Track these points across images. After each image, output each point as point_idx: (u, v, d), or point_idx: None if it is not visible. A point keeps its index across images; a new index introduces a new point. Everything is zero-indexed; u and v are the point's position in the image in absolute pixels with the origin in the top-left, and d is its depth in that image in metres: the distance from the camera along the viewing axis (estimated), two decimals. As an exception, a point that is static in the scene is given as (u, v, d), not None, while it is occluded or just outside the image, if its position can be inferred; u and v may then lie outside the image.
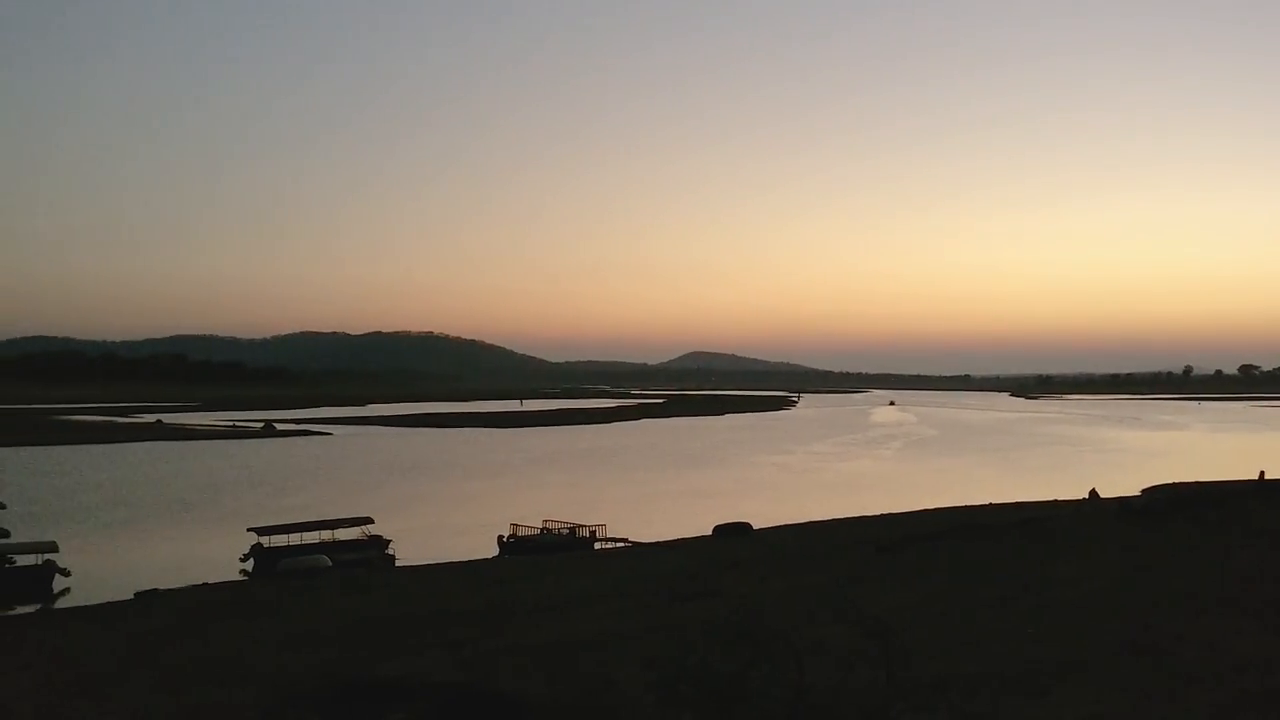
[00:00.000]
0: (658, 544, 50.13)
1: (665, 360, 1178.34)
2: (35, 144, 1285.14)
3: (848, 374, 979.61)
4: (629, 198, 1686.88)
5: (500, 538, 55.00)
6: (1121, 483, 67.61)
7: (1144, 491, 57.19)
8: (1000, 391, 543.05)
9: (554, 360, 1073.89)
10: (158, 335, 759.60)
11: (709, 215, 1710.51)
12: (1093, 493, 56.74)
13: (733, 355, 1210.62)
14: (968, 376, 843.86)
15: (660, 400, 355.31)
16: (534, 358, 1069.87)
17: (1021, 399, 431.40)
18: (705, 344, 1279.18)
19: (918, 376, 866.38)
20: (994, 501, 59.89)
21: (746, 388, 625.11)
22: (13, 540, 47.63)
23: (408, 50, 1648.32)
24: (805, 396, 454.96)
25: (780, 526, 52.84)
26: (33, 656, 24.24)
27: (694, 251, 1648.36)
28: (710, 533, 52.22)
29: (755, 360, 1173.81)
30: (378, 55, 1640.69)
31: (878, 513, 56.63)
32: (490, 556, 51.48)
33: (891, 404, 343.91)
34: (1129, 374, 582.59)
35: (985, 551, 28.17)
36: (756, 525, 53.15)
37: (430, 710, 6.64)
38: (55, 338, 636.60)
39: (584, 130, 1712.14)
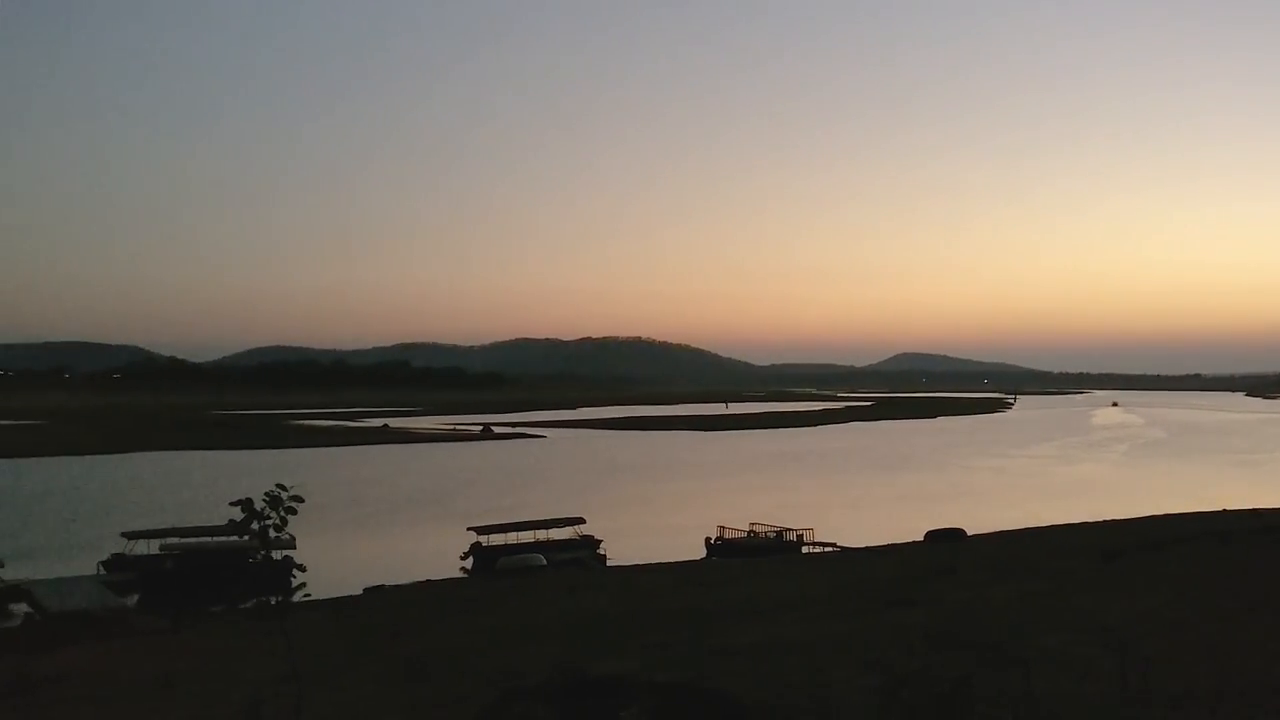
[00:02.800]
0: (867, 549, 49.27)
1: (874, 362, 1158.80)
2: (272, 170, 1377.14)
3: (1067, 374, 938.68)
4: (838, 201, 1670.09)
5: (708, 540, 55.29)
6: (1380, 490, 62.18)
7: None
8: (1234, 391, 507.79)
9: (760, 364, 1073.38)
10: (384, 344, 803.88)
11: (919, 215, 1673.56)
12: (1346, 500, 52.43)
13: (944, 356, 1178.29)
14: (1198, 376, 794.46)
15: (869, 403, 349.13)
16: (740, 361, 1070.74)
17: (1259, 399, 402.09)
18: (916, 345, 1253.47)
19: (1143, 376, 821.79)
20: (1229, 508, 56.06)
21: (959, 389, 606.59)
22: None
23: (621, 60, 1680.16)
24: (1022, 398, 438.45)
25: (996, 533, 51.02)
26: (273, 646, 25.89)
27: (904, 252, 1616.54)
28: (922, 538, 50.98)
29: (968, 361, 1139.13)
30: (592, 63, 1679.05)
31: (1101, 519, 53.96)
32: (698, 558, 51.82)
33: (1114, 405, 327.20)
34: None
35: (1220, 561, 26.41)
36: (970, 531, 51.58)
37: (658, 707, 6.77)
38: (292, 347, 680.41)
39: (793, 138, 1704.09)
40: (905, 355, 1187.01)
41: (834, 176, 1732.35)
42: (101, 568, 48.76)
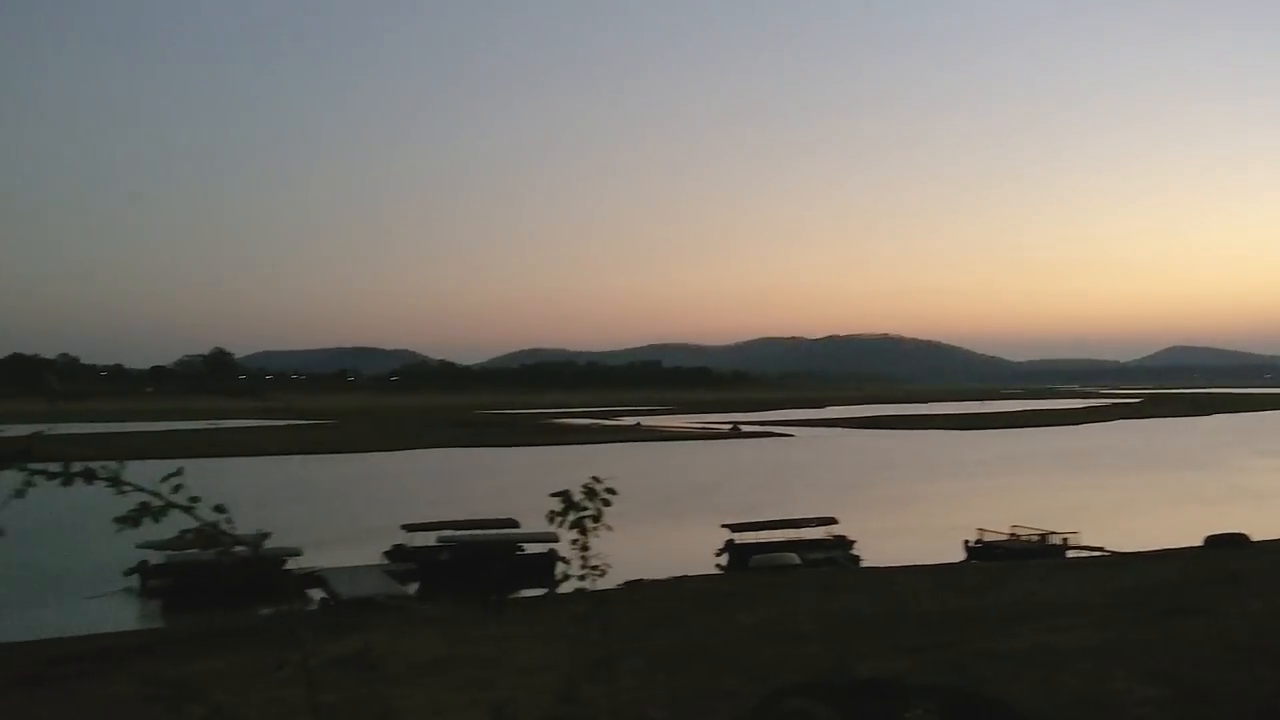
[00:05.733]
0: (1139, 554, 46.68)
1: (1141, 357, 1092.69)
2: (528, 181, 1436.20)
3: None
4: (1099, 192, 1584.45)
5: (966, 542, 53.91)
6: None
7: None
8: None
9: (1016, 360, 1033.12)
10: (635, 345, 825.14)
11: (1189, 203, 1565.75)
12: None
13: (1221, 349, 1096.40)
14: None
15: (1137, 400, 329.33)
16: (994, 358, 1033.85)
17: None
18: (1188, 338, 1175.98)
19: None
20: None
21: (1238, 385, 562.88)
22: (523, 530, 53.69)
23: (876, 68, 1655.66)
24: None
25: (1286, 539, 47.31)
26: (544, 635, 27.21)
27: (1173, 240, 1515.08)
28: (1201, 543, 47.87)
29: (1248, 354, 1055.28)
30: (844, 68, 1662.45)
31: None
32: (956, 561, 50.59)
33: None
34: None
35: None
36: (1255, 537, 48.01)
37: (941, 710, 6.86)
38: (550, 349, 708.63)
39: (1064, 139, 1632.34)
40: (1176, 349, 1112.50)
41: (1090, 168, 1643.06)
42: (385, 557, 52.41)
